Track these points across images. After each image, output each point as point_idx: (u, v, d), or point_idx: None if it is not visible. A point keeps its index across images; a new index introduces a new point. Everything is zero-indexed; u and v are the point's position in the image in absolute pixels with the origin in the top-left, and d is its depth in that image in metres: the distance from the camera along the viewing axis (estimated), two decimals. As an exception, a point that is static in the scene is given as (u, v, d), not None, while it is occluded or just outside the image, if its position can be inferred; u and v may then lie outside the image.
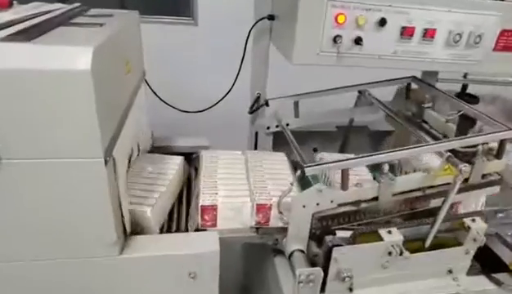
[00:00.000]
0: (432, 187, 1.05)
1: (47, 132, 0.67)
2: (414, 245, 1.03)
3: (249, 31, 1.30)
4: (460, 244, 1.06)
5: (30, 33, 0.67)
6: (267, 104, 1.35)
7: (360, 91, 1.43)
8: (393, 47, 1.10)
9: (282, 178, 1.15)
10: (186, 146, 1.37)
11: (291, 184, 0.96)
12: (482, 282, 1.09)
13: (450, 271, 1.09)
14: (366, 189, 0.99)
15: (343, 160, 0.94)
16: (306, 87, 1.39)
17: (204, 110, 1.45)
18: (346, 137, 1.52)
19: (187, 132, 1.44)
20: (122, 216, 0.88)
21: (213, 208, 1.01)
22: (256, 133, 1.40)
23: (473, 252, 1.07)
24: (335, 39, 1.03)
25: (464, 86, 1.35)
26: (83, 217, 0.78)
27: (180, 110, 1.47)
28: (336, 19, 1.02)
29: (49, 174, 0.72)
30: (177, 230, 1.04)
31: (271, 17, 1.25)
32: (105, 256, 0.85)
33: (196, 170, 1.24)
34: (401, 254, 0.97)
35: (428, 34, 1.08)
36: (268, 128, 1.37)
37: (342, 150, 1.53)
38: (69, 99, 0.64)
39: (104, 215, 0.79)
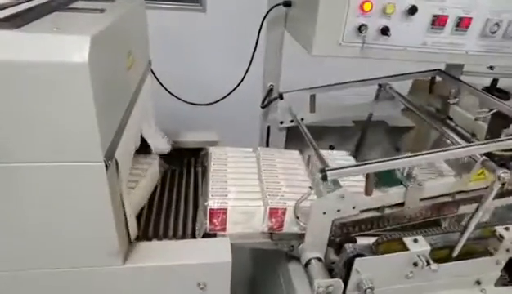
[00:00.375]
0: (462, 192, 0.96)
1: (40, 134, 0.59)
2: (439, 253, 0.96)
3: (263, 18, 1.20)
4: (489, 254, 0.98)
5: (20, 19, 0.58)
6: (280, 97, 1.26)
7: (380, 85, 1.33)
8: (422, 38, 1.00)
9: (297, 179, 1.07)
10: (193, 141, 1.28)
11: (310, 188, 0.88)
12: (511, 293, 1.01)
13: (478, 282, 1.01)
14: (392, 194, 0.91)
15: (367, 163, 0.86)
16: (320, 80, 1.30)
17: (212, 103, 1.37)
18: (363, 133, 1.43)
19: (194, 126, 1.35)
20: (126, 222, 0.80)
21: (223, 212, 0.94)
22: (268, 128, 1.32)
23: (504, 263, 0.99)
24: (360, 29, 0.93)
25: (495, 81, 1.24)
26: (83, 225, 0.71)
27: (187, 102, 1.38)
28: (362, 6, 0.92)
29: (45, 179, 0.64)
30: (166, 235, 0.95)
31: (286, 3, 1.15)
32: (107, 265, 0.78)
33: (204, 167, 1.16)
34: (427, 265, 0.90)
35: (463, 24, 0.97)
36: (282, 123, 1.28)
37: (359, 146, 1.44)
38: (64, 95, 0.56)
39: (105, 222, 0.71)
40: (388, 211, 0.94)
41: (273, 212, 0.95)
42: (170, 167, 1.23)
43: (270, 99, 1.29)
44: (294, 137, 1.32)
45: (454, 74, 1.34)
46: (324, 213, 0.87)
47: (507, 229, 0.96)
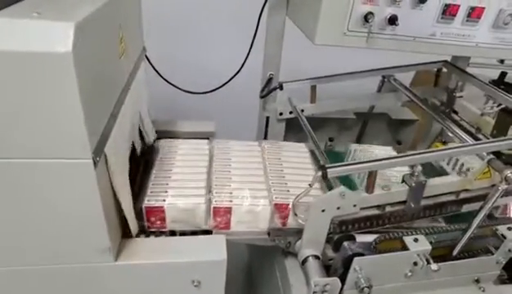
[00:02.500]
0: (466, 191, 0.94)
1: (23, 129, 0.55)
2: (439, 251, 0.94)
3: (264, 3, 1.14)
4: (490, 252, 0.97)
5: (-4, 3, 0.53)
6: (280, 87, 1.21)
7: (384, 76, 1.28)
8: (431, 29, 0.95)
9: (303, 173, 1.03)
10: (189, 132, 1.24)
11: (310, 185, 0.85)
12: (510, 292, 1.00)
13: (477, 280, 0.99)
14: (394, 192, 0.88)
15: (369, 161, 0.83)
16: (321, 70, 1.25)
17: (210, 91, 1.32)
18: (364, 125, 1.39)
19: (190, 116, 1.31)
20: (120, 217, 0.77)
21: (227, 211, 0.91)
22: (267, 119, 1.27)
23: (504, 262, 0.97)
24: (367, 17, 0.88)
25: (503, 74, 1.20)
26: (72, 222, 0.68)
27: (183, 91, 1.33)
28: (369, -7, 0.87)
29: (30, 175, 0.60)
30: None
31: (289, -12, 1.09)
32: (99, 262, 0.75)
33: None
34: (427, 264, 0.88)
35: (475, 14, 0.92)
36: (281, 114, 1.24)
37: (359, 139, 1.41)
38: (46, 88, 0.51)
39: (95, 219, 0.68)
40: (389, 209, 0.91)
41: (278, 208, 0.92)
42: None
43: (269, 89, 1.24)
44: (293, 129, 1.29)
45: (460, 66, 1.29)
46: (323, 211, 0.84)
47: (510, 228, 0.93)
